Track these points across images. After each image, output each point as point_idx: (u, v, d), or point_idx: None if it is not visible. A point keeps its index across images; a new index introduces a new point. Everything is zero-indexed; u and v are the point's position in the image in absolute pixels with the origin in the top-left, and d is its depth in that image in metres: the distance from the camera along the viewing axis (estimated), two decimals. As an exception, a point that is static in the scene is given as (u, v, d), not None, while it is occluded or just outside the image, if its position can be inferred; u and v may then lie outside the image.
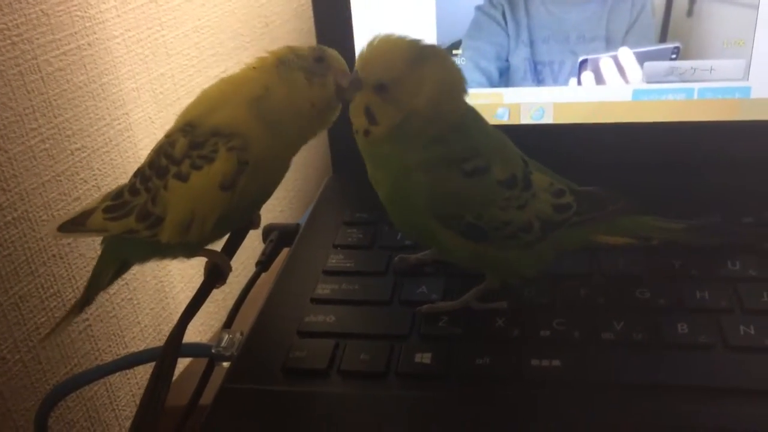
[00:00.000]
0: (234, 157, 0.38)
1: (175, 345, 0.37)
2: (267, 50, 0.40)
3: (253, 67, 0.40)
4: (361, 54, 0.39)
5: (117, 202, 0.39)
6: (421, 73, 0.38)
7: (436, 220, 0.39)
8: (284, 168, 0.42)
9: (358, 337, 0.41)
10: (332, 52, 0.40)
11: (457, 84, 0.39)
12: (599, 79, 0.54)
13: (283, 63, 0.39)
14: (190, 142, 0.38)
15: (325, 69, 0.40)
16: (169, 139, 0.39)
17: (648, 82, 0.53)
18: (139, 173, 0.40)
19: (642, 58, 0.53)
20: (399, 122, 0.38)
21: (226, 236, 0.44)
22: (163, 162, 0.39)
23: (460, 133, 0.39)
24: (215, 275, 0.42)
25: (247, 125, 0.38)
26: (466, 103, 0.40)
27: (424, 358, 0.39)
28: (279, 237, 0.53)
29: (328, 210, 0.55)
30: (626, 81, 0.53)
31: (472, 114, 0.41)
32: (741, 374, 0.37)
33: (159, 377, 0.36)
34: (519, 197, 0.39)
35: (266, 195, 0.42)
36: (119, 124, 0.55)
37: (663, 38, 0.52)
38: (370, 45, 0.39)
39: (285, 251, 0.53)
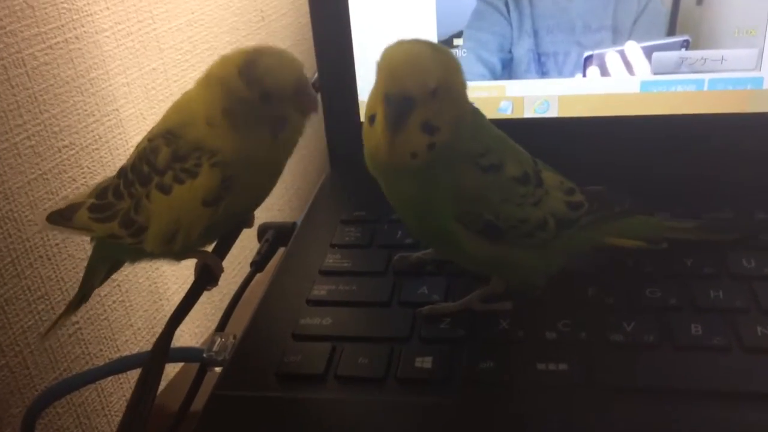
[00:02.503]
0: (218, 174, 0.36)
1: (162, 350, 0.35)
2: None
3: (207, 124, 0.36)
4: (396, 73, 0.34)
5: (102, 202, 0.38)
6: (451, 58, 0.36)
7: (455, 220, 0.37)
8: (274, 177, 0.40)
9: (355, 340, 0.40)
10: (268, 75, 0.36)
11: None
12: (605, 75, 0.52)
13: (238, 123, 0.36)
14: (172, 152, 0.37)
15: (279, 107, 0.37)
16: (151, 144, 0.38)
17: (656, 74, 0.51)
18: (123, 174, 0.39)
19: (650, 53, 0.51)
20: (458, 117, 0.36)
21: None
22: (146, 169, 0.37)
23: (473, 127, 0.38)
24: (206, 277, 0.40)
25: (231, 144, 0.37)
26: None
27: (425, 362, 0.37)
28: (275, 236, 0.51)
29: (325, 208, 0.54)
30: (633, 75, 0.51)
31: (477, 110, 0.39)
32: (758, 378, 0.35)
33: (145, 383, 0.34)
34: (533, 194, 0.38)
35: (256, 204, 0.41)
36: (109, 120, 0.54)
37: (672, 28, 0.50)
38: (400, 60, 0.35)
39: (281, 251, 0.51)
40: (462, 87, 0.37)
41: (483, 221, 0.37)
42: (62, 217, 0.39)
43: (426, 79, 0.34)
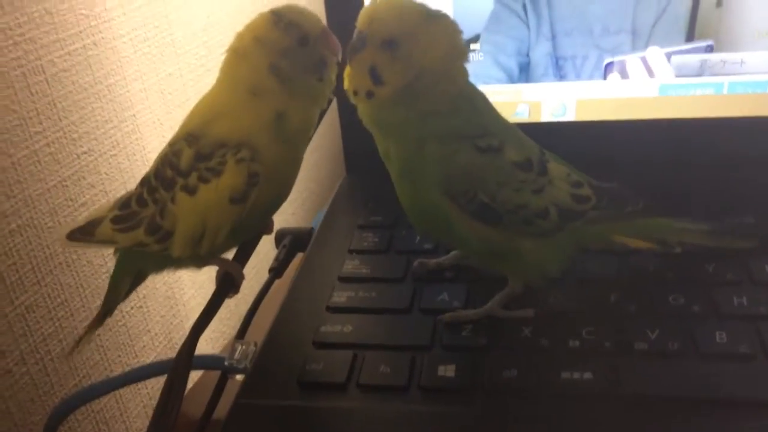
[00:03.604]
0: (244, 170, 0.36)
1: (186, 359, 0.35)
2: (227, 44, 0.38)
3: (251, 94, 0.37)
4: (366, 11, 0.37)
5: (125, 212, 0.38)
6: (434, 29, 0.37)
7: (448, 198, 0.37)
8: (297, 168, 0.40)
9: (377, 348, 0.40)
10: (300, 19, 0.37)
11: (463, 48, 0.38)
12: (625, 78, 0.51)
13: (286, 78, 0.37)
14: (195, 153, 0.37)
15: (315, 51, 0.38)
16: (173, 148, 0.38)
17: (677, 77, 0.51)
18: (146, 182, 0.38)
19: (671, 57, 0.50)
20: (409, 81, 0.36)
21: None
22: (169, 173, 0.37)
23: (472, 109, 0.38)
24: (227, 284, 0.40)
25: (256, 134, 0.37)
26: (467, 75, 0.38)
27: (448, 370, 0.37)
28: (292, 242, 0.51)
29: (342, 213, 0.54)
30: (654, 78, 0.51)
31: (482, 96, 0.39)
32: (786, 387, 0.34)
33: (170, 392, 0.34)
34: (535, 181, 0.38)
35: (281, 201, 0.40)
36: (127, 126, 0.54)
37: (691, 30, 0.50)
38: (375, 2, 0.37)
39: (299, 256, 0.51)
40: (443, 60, 0.37)
41: (477, 202, 0.37)
42: (83, 233, 0.39)
43: (381, 27, 0.36)
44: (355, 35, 0.37)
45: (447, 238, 0.42)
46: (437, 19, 0.37)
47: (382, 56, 0.36)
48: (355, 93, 0.38)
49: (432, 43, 0.36)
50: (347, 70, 0.38)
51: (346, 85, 0.38)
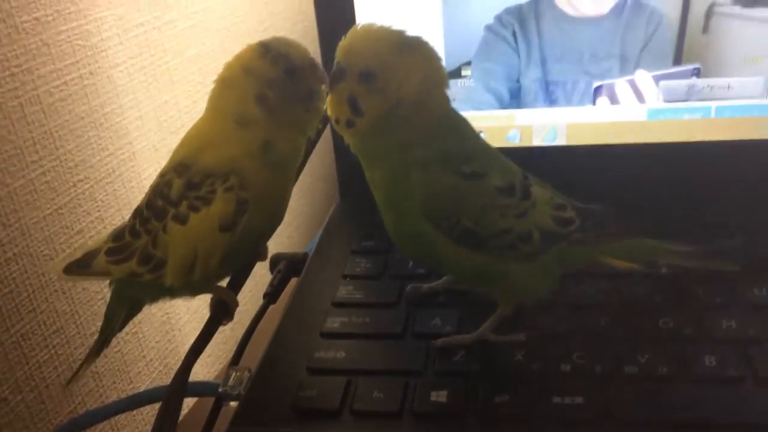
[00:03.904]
0: (232, 198, 0.36)
1: (180, 386, 0.35)
2: (218, 73, 0.38)
3: (236, 123, 0.37)
4: (343, 43, 0.37)
5: (119, 244, 0.38)
6: (409, 60, 0.37)
7: (431, 224, 0.37)
8: (288, 194, 0.41)
9: (370, 373, 0.40)
10: (289, 51, 0.38)
11: (443, 75, 0.38)
12: (614, 103, 0.52)
13: (272, 108, 0.37)
14: (185, 182, 0.37)
15: (303, 82, 0.38)
16: (163, 179, 0.38)
17: (666, 101, 0.51)
18: (138, 213, 0.39)
19: (659, 81, 0.51)
20: (386, 112, 0.37)
21: (232, 270, 0.43)
22: (160, 203, 0.38)
23: (454, 135, 0.38)
24: (221, 311, 0.40)
25: (244, 162, 0.37)
26: (449, 101, 0.39)
27: (441, 396, 0.38)
28: (287, 267, 0.52)
29: (335, 238, 0.54)
30: (643, 103, 0.52)
31: (465, 122, 0.40)
32: (774, 410, 0.35)
33: (164, 420, 0.34)
34: (518, 206, 0.38)
35: (272, 227, 0.41)
36: (123, 153, 0.54)
37: (678, 56, 0.51)
38: (353, 33, 0.37)
39: (293, 281, 0.51)
40: (420, 91, 0.37)
41: (461, 228, 0.37)
42: (79, 266, 0.39)
43: (357, 59, 0.37)
44: (334, 66, 0.38)
45: (433, 263, 0.43)
46: (413, 49, 0.37)
47: (359, 88, 0.37)
48: (337, 122, 0.38)
49: (408, 74, 0.37)
50: (329, 99, 0.39)
51: (329, 112, 0.39)
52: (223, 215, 0.36)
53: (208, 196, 0.36)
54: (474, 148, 0.39)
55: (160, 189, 0.38)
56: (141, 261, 0.37)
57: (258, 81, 0.37)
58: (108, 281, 0.41)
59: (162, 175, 0.39)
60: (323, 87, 0.39)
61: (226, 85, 0.38)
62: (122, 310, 0.41)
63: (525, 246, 0.38)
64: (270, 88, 0.37)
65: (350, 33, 0.37)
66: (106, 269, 0.38)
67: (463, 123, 0.40)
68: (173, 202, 0.37)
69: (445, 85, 0.39)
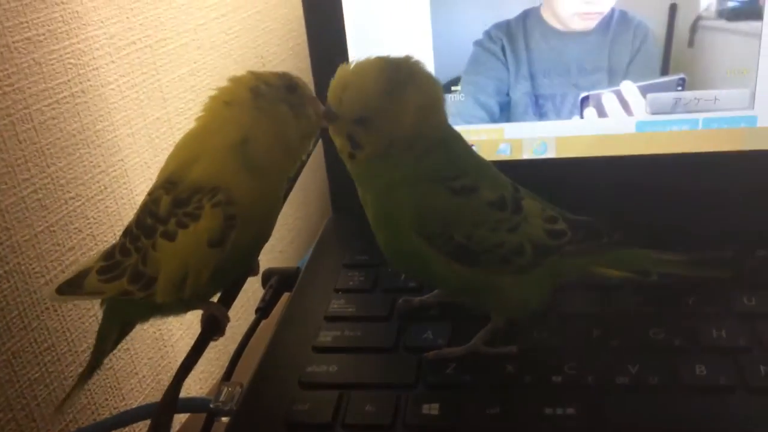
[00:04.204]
0: (220, 214, 0.37)
1: (171, 403, 0.35)
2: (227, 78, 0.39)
3: (225, 102, 0.39)
4: (333, 89, 0.38)
5: (109, 263, 0.39)
6: (401, 100, 0.37)
7: (423, 240, 0.38)
8: (277, 207, 0.41)
9: (362, 387, 0.40)
10: (298, 79, 0.40)
11: (437, 102, 0.39)
12: (602, 115, 0.53)
13: (259, 96, 0.38)
14: (173, 199, 0.38)
15: (301, 98, 0.40)
16: (152, 197, 0.39)
17: (652, 114, 0.52)
18: (128, 232, 0.39)
19: (646, 92, 0.52)
20: (384, 147, 0.37)
21: (224, 285, 0.43)
22: (149, 221, 0.38)
23: (446, 151, 0.39)
24: (212, 327, 0.40)
25: (229, 176, 0.38)
26: (446, 117, 0.39)
27: (433, 408, 0.38)
28: (279, 282, 0.52)
29: (328, 252, 0.54)
30: (630, 115, 0.52)
31: (457, 136, 0.40)
32: (764, 419, 0.35)
33: (155, 438, 0.34)
34: (510, 219, 0.38)
35: (262, 242, 0.41)
36: (114, 171, 0.54)
37: (665, 69, 0.51)
38: (343, 76, 0.37)
39: (285, 296, 0.51)
40: (415, 126, 0.37)
41: (454, 244, 0.37)
42: (71, 286, 0.39)
43: (349, 108, 0.37)
44: (328, 107, 0.38)
45: (426, 279, 0.43)
46: (404, 86, 0.37)
47: (355, 128, 0.38)
48: (340, 152, 0.39)
49: (401, 113, 0.37)
50: (331, 131, 0.39)
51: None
52: (211, 231, 0.37)
53: (196, 212, 0.37)
54: (465, 163, 0.39)
55: (148, 207, 0.38)
56: (132, 279, 0.37)
57: (258, 80, 0.39)
58: (100, 301, 0.41)
59: (150, 193, 0.39)
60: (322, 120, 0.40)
61: (228, 79, 0.40)
62: (114, 330, 0.41)
63: (518, 259, 0.39)
64: (266, 86, 0.39)
65: (340, 74, 0.38)
66: (98, 288, 0.38)
67: (455, 137, 0.40)
68: (162, 220, 0.37)
69: (441, 108, 0.39)
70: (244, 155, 0.38)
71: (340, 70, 0.38)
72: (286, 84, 0.39)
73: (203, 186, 0.37)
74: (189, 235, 0.37)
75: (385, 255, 0.41)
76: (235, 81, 0.39)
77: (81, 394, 0.52)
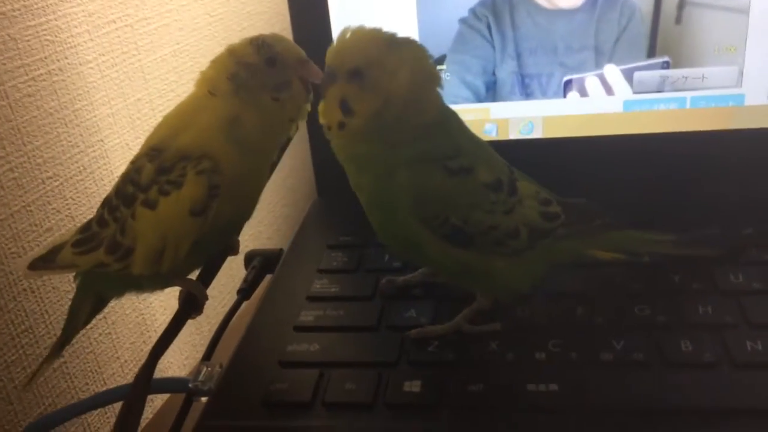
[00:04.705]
0: (204, 181, 0.36)
1: (144, 381, 0.34)
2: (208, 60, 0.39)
3: (209, 93, 0.38)
4: (332, 47, 0.37)
5: (85, 235, 0.38)
6: (397, 56, 0.37)
7: (420, 223, 0.37)
8: (261, 184, 0.40)
9: (343, 365, 0.39)
10: (277, 43, 0.38)
11: (433, 73, 0.38)
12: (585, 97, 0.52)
13: (240, 87, 0.37)
14: (157, 167, 0.36)
15: (283, 73, 0.38)
16: (134, 165, 0.37)
17: (637, 93, 0.51)
18: (107, 203, 0.38)
19: (630, 74, 0.51)
20: (377, 110, 0.36)
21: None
22: (130, 189, 0.37)
23: (443, 131, 0.38)
24: (190, 305, 0.39)
25: (218, 146, 0.37)
26: (442, 99, 0.39)
27: (414, 386, 0.37)
28: (261, 263, 0.51)
29: (312, 234, 0.54)
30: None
31: (454, 116, 0.39)
32: (750, 394, 0.34)
33: (127, 416, 0.33)
34: (505, 202, 0.38)
35: (244, 216, 0.40)
36: (94, 151, 0.53)
37: (652, 47, 0.51)
38: (342, 36, 0.37)
39: (268, 278, 0.51)
40: (410, 86, 0.37)
41: (450, 225, 0.37)
42: (44, 261, 0.38)
43: (346, 58, 0.37)
44: (325, 71, 0.38)
45: (421, 261, 0.43)
46: (401, 45, 0.37)
47: (350, 88, 0.37)
48: (329, 128, 0.38)
49: (396, 70, 0.36)
50: (321, 105, 0.38)
51: (321, 120, 0.38)
52: (194, 199, 0.36)
53: (179, 179, 0.36)
54: (463, 143, 0.39)
55: (130, 176, 0.37)
56: (109, 249, 0.36)
57: (237, 62, 0.38)
58: (73, 276, 0.40)
59: (134, 161, 0.38)
60: (316, 81, 0.39)
61: (212, 62, 0.39)
62: (87, 305, 0.40)
63: (512, 242, 0.38)
64: (245, 70, 0.38)
65: (339, 36, 0.37)
66: (72, 261, 0.37)
67: (453, 117, 0.39)
68: (143, 188, 0.36)
69: (437, 83, 0.38)
70: (233, 131, 0.37)
71: (341, 33, 0.37)
72: (266, 57, 0.38)
73: (190, 153, 0.36)
74: (171, 204, 0.36)
75: (378, 236, 0.40)
76: (216, 67, 0.38)
77: (60, 378, 0.51)
